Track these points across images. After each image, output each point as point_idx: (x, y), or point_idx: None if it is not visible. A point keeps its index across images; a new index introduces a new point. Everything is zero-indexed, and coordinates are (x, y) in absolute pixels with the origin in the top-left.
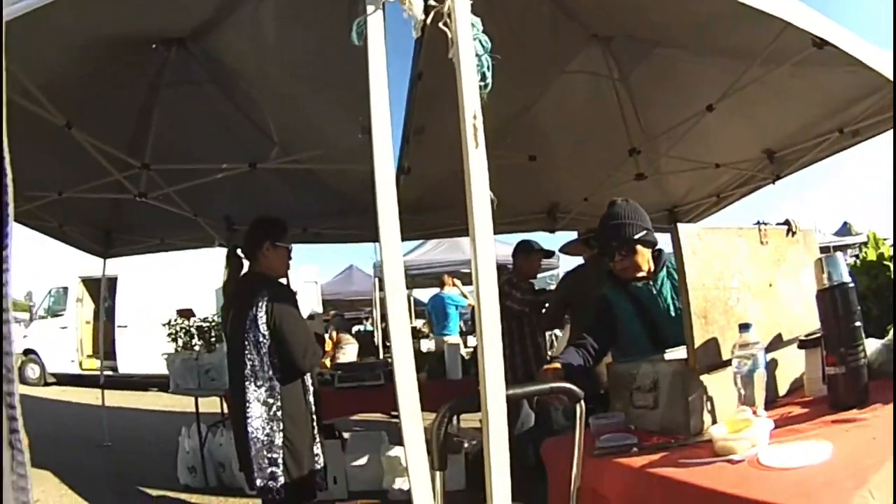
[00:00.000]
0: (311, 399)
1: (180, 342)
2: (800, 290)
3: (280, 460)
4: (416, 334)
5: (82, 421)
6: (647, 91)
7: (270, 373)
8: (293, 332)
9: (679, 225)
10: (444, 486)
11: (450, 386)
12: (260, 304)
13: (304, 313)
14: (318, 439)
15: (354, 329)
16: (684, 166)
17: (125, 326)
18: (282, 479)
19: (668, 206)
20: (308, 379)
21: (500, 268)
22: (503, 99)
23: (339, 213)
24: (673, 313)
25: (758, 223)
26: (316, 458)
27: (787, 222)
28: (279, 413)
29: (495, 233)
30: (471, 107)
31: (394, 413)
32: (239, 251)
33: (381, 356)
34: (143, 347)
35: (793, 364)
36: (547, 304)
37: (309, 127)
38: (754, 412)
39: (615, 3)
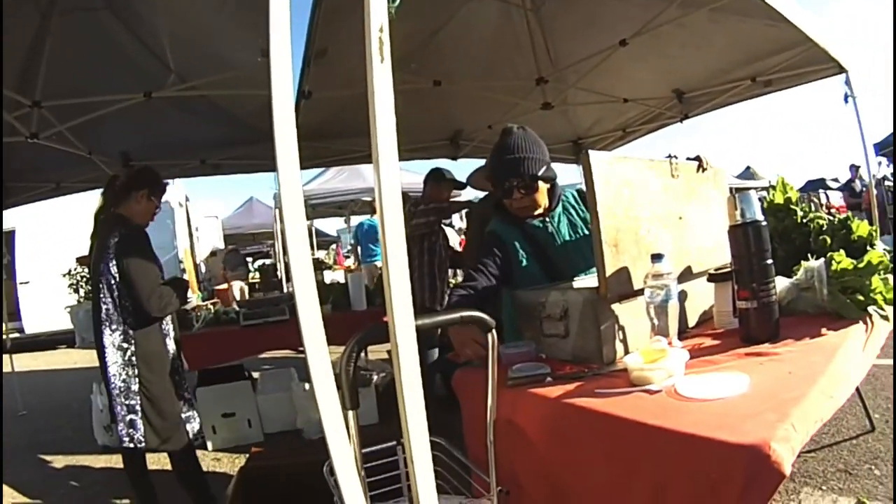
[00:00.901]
0: (172, 344)
1: (82, 292)
2: (709, 225)
3: (138, 407)
4: (319, 266)
5: None
6: (559, 21)
7: (123, 316)
8: (139, 274)
9: (591, 152)
10: (358, 423)
11: (355, 317)
12: (111, 244)
13: (206, 250)
14: (184, 384)
15: (258, 263)
16: (592, 98)
17: (27, 282)
18: (142, 428)
19: (572, 138)
20: (167, 323)
21: (405, 196)
22: (409, 22)
23: (239, 142)
24: (571, 250)
25: (668, 156)
26: (183, 408)
27: (697, 158)
28: (133, 358)
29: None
30: (377, 19)
31: (301, 349)
32: (117, 182)
33: (284, 290)
34: (50, 303)
35: (702, 296)
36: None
37: (206, 52)
38: (669, 343)
39: None
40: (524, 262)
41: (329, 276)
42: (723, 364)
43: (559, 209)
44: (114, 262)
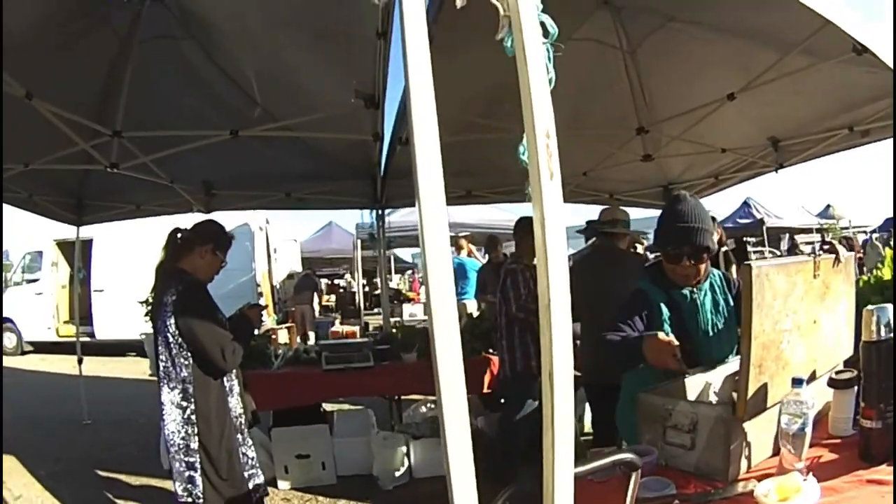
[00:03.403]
0: (235, 401)
1: None
2: (836, 323)
3: (198, 465)
4: (397, 296)
5: (60, 394)
6: (655, 66)
7: (183, 374)
8: (202, 332)
9: (752, 265)
10: None
11: None
12: (168, 302)
13: (284, 272)
14: (248, 443)
15: (339, 282)
16: (688, 148)
17: (101, 291)
18: (200, 485)
19: (662, 183)
20: (230, 379)
21: (494, 237)
22: (503, 64)
23: (326, 177)
24: (711, 331)
25: (813, 254)
26: (245, 464)
27: (833, 249)
28: (193, 417)
29: (489, 201)
30: (542, 122)
31: (386, 396)
32: (179, 236)
33: (362, 320)
34: (120, 311)
35: (819, 396)
36: None
37: (295, 88)
38: (804, 475)
39: None
40: (665, 330)
41: (408, 311)
42: (846, 494)
43: (707, 284)
44: (171, 321)
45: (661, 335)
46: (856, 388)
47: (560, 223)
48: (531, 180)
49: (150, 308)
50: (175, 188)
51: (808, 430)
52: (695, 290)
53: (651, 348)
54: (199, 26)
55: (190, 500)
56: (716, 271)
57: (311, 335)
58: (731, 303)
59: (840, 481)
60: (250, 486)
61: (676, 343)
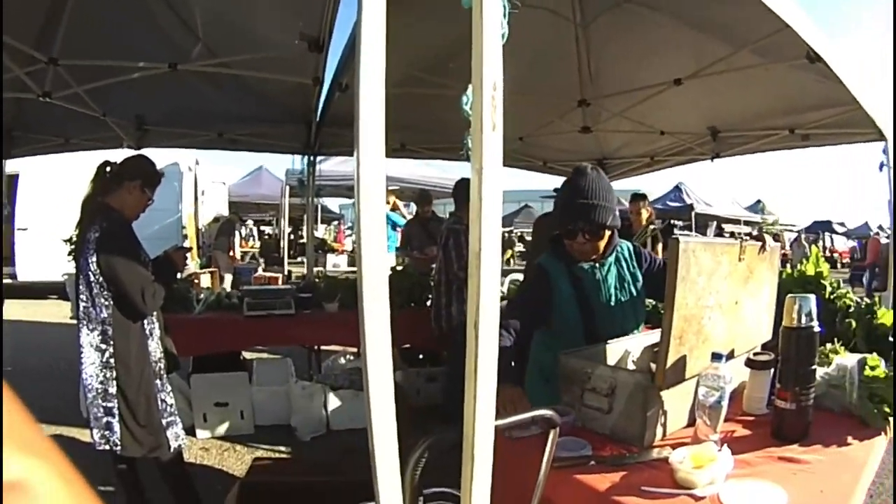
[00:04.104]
0: (155, 345)
1: None
2: (757, 307)
3: (116, 410)
4: (321, 246)
5: None
6: (606, 43)
7: (103, 315)
8: (125, 272)
9: (681, 239)
10: None
11: None
12: (91, 238)
13: (210, 215)
14: (167, 389)
15: (265, 229)
16: (627, 126)
17: (25, 229)
18: (118, 431)
19: (598, 156)
20: (151, 322)
21: (426, 193)
22: (452, 23)
23: (262, 119)
24: (613, 304)
25: (740, 238)
26: (164, 413)
27: (761, 238)
28: (111, 360)
29: (422, 157)
30: (490, 75)
31: (306, 346)
32: (108, 169)
33: (285, 268)
34: (45, 251)
35: (735, 375)
36: None
37: (239, 25)
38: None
39: None
40: (564, 305)
41: (331, 261)
42: (757, 467)
43: (612, 258)
44: (94, 259)
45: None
46: (772, 370)
47: (497, 174)
48: (472, 130)
49: (73, 246)
50: (107, 121)
51: (725, 403)
52: (598, 264)
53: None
54: None
55: (107, 447)
56: (625, 244)
57: (227, 281)
58: (640, 278)
59: (752, 455)
60: (168, 434)
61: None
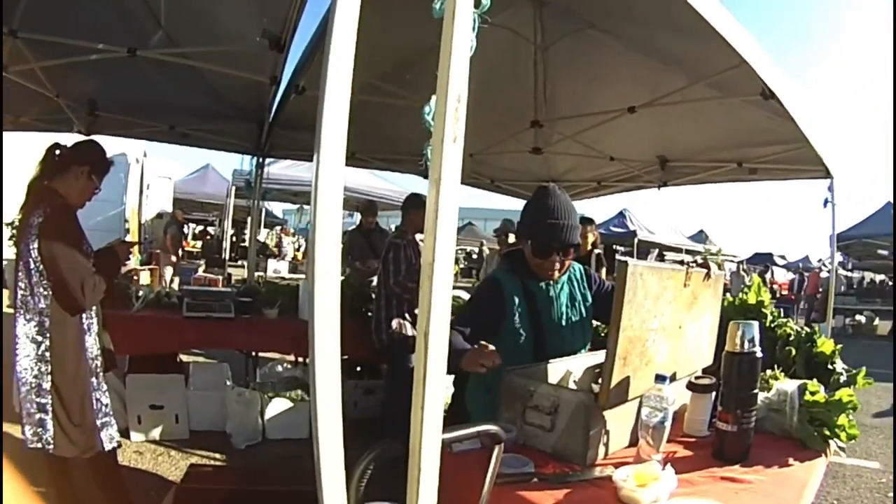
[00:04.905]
0: (92, 340)
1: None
2: (699, 332)
3: (49, 406)
4: (263, 250)
5: None
6: (564, 66)
7: (41, 305)
8: (66, 261)
9: (629, 261)
10: None
11: (302, 326)
12: (34, 223)
13: (154, 211)
14: (102, 388)
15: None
16: (578, 149)
17: None
18: (51, 429)
19: (545, 178)
20: (89, 317)
21: (372, 203)
22: (410, 33)
23: (215, 116)
24: (563, 323)
25: (686, 265)
26: (99, 413)
27: (706, 265)
28: (47, 354)
29: (370, 166)
30: (456, 86)
31: (245, 352)
32: (58, 152)
33: (226, 270)
34: None
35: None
36: None
37: (203, 16)
38: (663, 466)
39: None
40: (515, 321)
41: (272, 266)
42: (700, 487)
43: (565, 277)
44: (35, 245)
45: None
46: (713, 394)
47: (455, 186)
48: (434, 140)
49: (15, 230)
50: (59, 102)
51: (668, 424)
52: (551, 282)
53: (467, 361)
54: None
55: (39, 445)
56: (576, 265)
57: (173, 279)
58: (590, 299)
59: (695, 475)
60: (103, 434)
61: (492, 348)
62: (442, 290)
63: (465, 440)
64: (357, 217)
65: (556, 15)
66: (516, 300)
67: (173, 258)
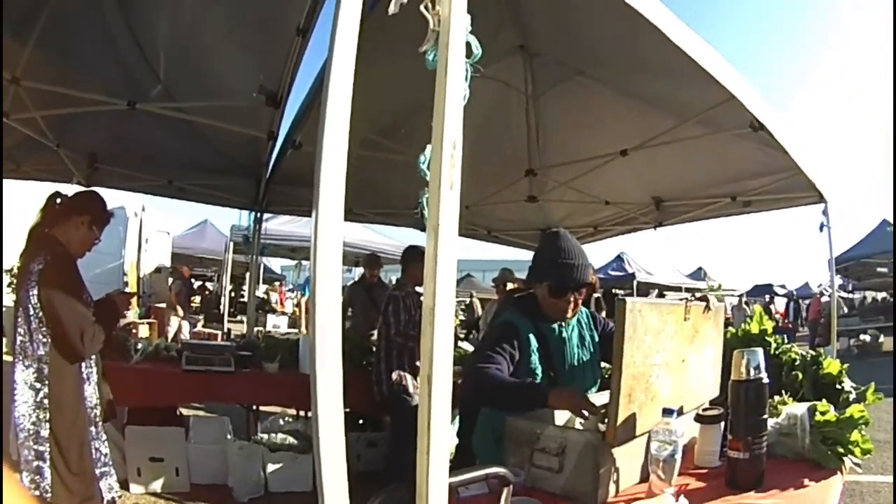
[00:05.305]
0: (91, 389)
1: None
2: (702, 364)
3: (47, 454)
4: (262, 305)
5: None
6: (555, 114)
7: (40, 352)
8: (65, 309)
9: (627, 299)
10: None
11: (303, 380)
12: (34, 270)
13: (152, 265)
14: (101, 437)
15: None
16: (573, 196)
17: None
18: (49, 477)
19: (542, 227)
20: (88, 366)
21: (376, 256)
22: (405, 90)
23: (212, 171)
24: (576, 363)
25: (685, 300)
26: (98, 462)
27: (705, 298)
28: (45, 401)
29: (366, 220)
30: (451, 133)
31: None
32: (59, 201)
33: (225, 325)
34: None
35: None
36: None
37: (201, 71)
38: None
39: (567, 24)
40: (532, 362)
41: (272, 321)
42: None
43: (574, 320)
44: (35, 291)
45: (571, 389)
46: (722, 424)
47: (453, 231)
48: (430, 187)
49: (14, 277)
50: (60, 153)
51: (678, 456)
52: (563, 324)
53: (561, 400)
54: None
55: (37, 493)
56: (583, 308)
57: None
58: (597, 339)
59: None
60: (102, 484)
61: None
62: (444, 335)
63: (472, 483)
64: (356, 272)
65: (546, 65)
66: (532, 341)
67: (181, 312)
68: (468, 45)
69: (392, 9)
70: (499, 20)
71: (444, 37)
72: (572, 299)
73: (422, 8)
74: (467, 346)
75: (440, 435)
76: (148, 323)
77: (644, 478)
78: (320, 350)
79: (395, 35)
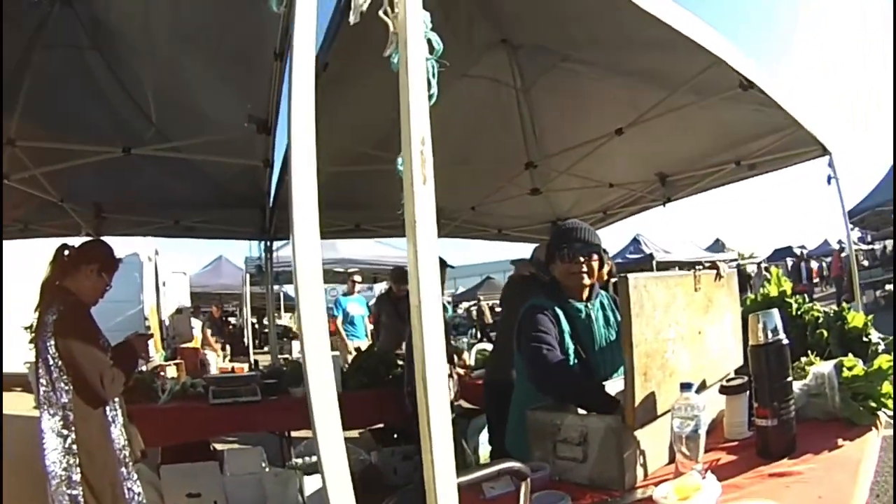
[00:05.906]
0: (117, 432)
1: None
2: (722, 334)
3: (80, 498)
4: (286, 333)
5: None
6: (547, 103)
7: (64, 400)
8: (83, 356)
9: (629, 276)
10: None
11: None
12: (49, 322)
13: (172, 306)
14: (133, 477)
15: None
16: (576, 183)
17: None
18: None
19: (551, 219)
20: (113, 409)
21: (403, 271)
22: (393, 97)
23: (216, 205)
24: (604, 343)
25: (693, 269)
26: (132, 500)
27: (715, 266)
28: (74, 447)
29: (377, 236)
30: (418, 130)
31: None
32: (66, 253)
33: (251, 357)
34: (6, 343)
35: (710, 405)
36: None
37: (189, 108)
38: (703, 475)
39: (542, 10)
40: (567, 342)
41: (297, 347)
42: (748, 488)
43: (597, 301)
44: (52, 342)
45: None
46: (747, 392)
47: (431, 226)
48: (405, 185)
49: (33, 333)
50: (65, 208)
51: (702, 431)
52: (588, 304)
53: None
54: (105, 36)
55: None
56: (604, 292)
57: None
58: (620, 321)
59: (742, 478)
60: None
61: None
62: (433, 331)
63: (488, 481)
64: (377, 288)
65: (530, 55)
66: (564, 322)
67: (218, 350)
68: (429, 41)
69: (352, 18)
70: (469, 14)
71: (403, 35)
72: (584, 264)
73: (380, 13)
74: (487, 346)
75: (441, 434)
76: (175, 364)
77: (672, 458)
78: (312, 372)
79: (374, 49)
